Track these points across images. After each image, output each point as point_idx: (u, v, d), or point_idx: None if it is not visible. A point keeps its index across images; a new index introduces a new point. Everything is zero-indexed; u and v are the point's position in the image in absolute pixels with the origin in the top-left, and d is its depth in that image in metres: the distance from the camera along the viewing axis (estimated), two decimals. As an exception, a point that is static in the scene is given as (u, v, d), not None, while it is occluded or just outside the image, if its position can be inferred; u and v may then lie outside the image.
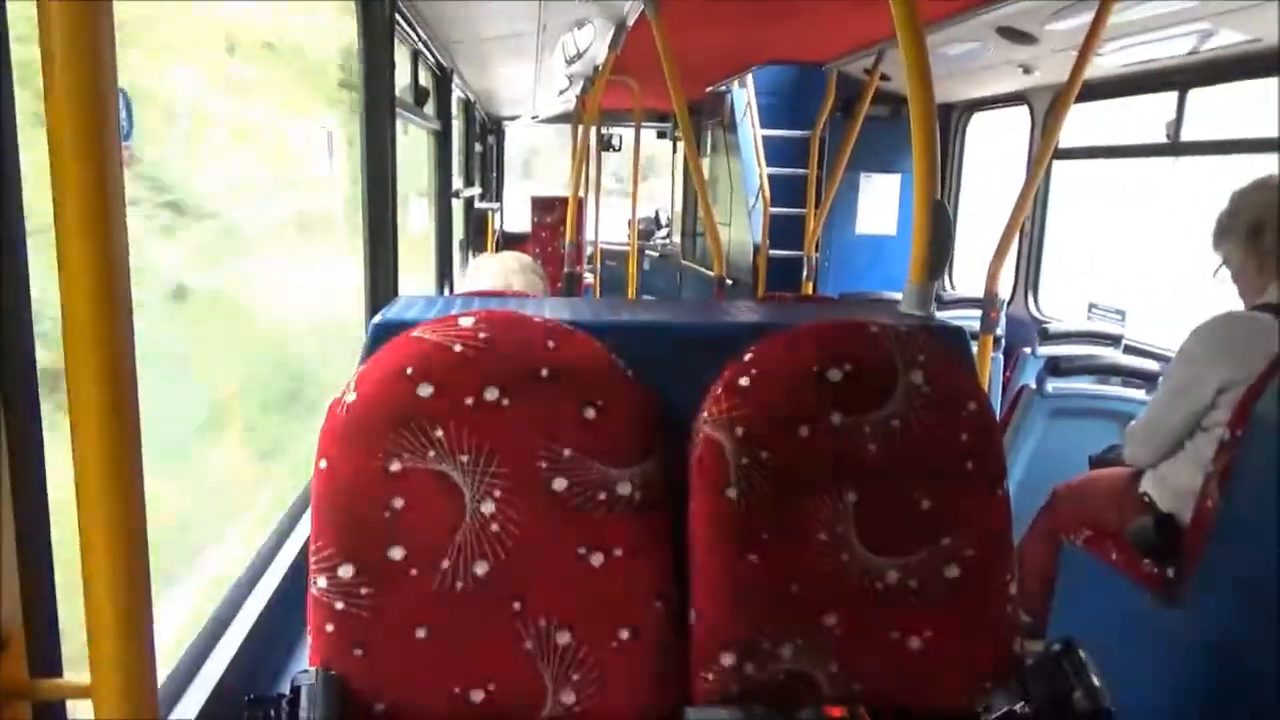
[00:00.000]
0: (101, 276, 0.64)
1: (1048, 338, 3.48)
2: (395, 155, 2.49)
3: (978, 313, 3.14)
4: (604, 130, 6.98)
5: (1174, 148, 3.38)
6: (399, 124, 2.69)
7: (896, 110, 5.07)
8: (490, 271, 2.31)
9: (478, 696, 1.14)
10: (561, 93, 6.12)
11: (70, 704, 0.95)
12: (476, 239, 7.15)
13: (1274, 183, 2.02)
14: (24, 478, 0.82)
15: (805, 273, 5.00)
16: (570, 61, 4.51)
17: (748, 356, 1.22)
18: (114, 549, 0.67)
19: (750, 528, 1.18)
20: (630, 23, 3.39)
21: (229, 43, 2.07)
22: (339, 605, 1.11)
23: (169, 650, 1.35)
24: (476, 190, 6.92)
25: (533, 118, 8.22)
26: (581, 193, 5.28)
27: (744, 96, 5.51)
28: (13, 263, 0.82)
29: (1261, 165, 3.00)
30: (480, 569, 1.13)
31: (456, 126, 5.30)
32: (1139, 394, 2.94)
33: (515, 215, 9.06)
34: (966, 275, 4.99)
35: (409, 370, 1.12)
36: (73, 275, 0.63)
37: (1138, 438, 2.13)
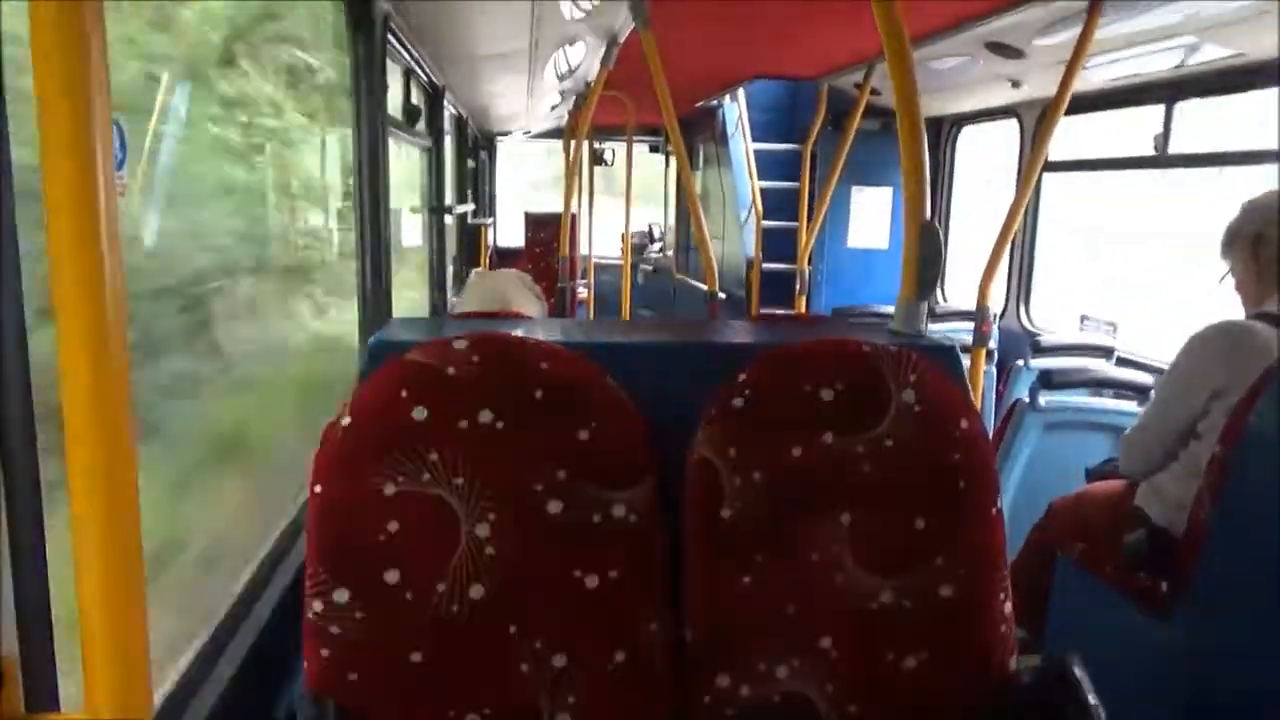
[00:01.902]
0: (96, 299, 0.63)
1: (1040, 350, 3.49)
2: (388, 175, 2.50)
3: (971, 325, 3.15)
4: (596, 145, 7.00)
5: (1161, 160, 3.40)
6: (391, 142, 2.70)
7: (887, 124, 5.09)
8: (487, 288, 2.33)
9: None
10: (554, 108, 6.14)
11: None
12: (469, 254, 7.17)
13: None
14: (20, 511, 0.82)
15: (798, 286, 5.02)
16: (562, 78, 4.53)
17: (741, 377, 1.22)
18: (109, 581, 0.67)
19: (745, 548, 1.18)
20: (622, 39, 3.41)
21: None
22: (334, 630, 1.10)
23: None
24: (469, 206, 6.93)
25: (525, 133, 8.24)
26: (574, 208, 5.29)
27: (735, 111, 5.54)
28: (10, 282, 0.82)
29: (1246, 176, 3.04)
30: (476, 592, 1.13)
31: (448, 143, 5.31)
32: (1132, 405, 2.95)
33: (509, 231, 9.07)
34: (959, 285, 5.00)
35: (403, 394, 1.12)
36: (65, 299, 0.63)
37: (1131, 446, 2.13)
